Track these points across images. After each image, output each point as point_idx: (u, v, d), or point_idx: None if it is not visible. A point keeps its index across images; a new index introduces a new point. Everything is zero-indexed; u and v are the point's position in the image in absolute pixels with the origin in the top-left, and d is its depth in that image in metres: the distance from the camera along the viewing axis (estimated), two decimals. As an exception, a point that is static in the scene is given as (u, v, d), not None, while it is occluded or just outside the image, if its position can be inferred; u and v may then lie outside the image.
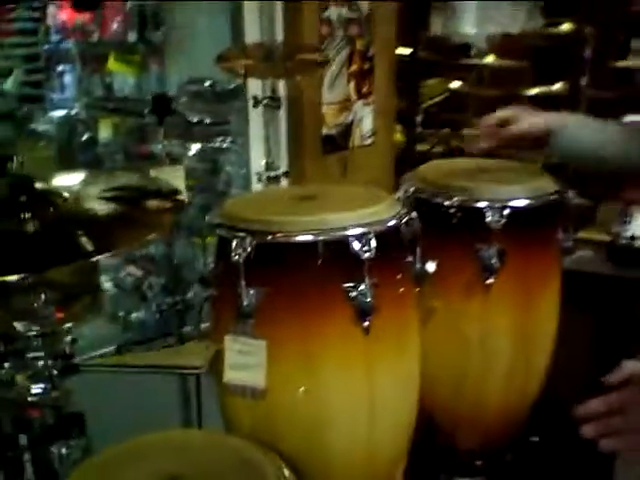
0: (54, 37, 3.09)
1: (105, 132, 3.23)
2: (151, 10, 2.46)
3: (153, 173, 1.49)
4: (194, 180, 3.19)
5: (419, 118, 3.94)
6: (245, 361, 1.15)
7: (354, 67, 2.35)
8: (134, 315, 2.47)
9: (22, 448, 1.25)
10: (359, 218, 1.14)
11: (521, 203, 1.35)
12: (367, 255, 1.10)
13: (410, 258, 1.27)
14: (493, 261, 1.34)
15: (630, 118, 2.05)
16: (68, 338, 1.10)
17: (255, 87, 2.07)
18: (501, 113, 1.47)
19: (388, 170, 2.58)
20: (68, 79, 3.37)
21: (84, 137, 3.26)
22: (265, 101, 1.68)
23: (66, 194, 1.21)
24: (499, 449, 1.58)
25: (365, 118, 2.47)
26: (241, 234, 1.12)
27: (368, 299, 1.12)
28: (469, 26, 3.64)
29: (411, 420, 1.27)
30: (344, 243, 1.10)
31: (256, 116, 2.20)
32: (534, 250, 1.39)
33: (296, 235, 1.11)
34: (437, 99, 4.10)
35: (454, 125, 3.55)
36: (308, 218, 1.13)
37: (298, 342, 1.14)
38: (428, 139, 3.45)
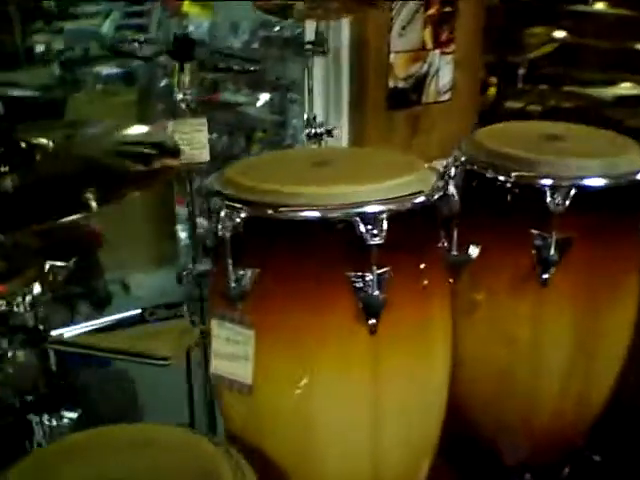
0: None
1: (182, 78, 3.16)
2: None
3: (172, 127, 1.34)
4: (262, 133, 3.06)
5: (521, 71, 3.55)
6: (232, 351, 0.99)
7: (432, 10, 2.07)
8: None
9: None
10: (371, 193, 0.93)
11: (594, 182, 1.08)
12: (375, 240, 0.90)
13: (444, 243, 1.05)
14: (551, 252, 1.09)
15: None
16: (30, 312, 0.99)
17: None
18: None
19: (468, 131, 2.29)
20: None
21: (162, 83, 3.20)
22: (309, 46, 1.47)
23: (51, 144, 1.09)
24: (551, 464, 1.36)
25: (443, 70, 2.19)
26: (232, 204, 0.95)
27: (375, 292, 0.92)
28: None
29: (430, 437, 1.08)
30: (348, 224, 0.90)
31: (317, 65, 1.99)
32: (607, 241, 1.12)
33: (292, 210, 0.92)
34: (544, 50, 3.68)
35: (558, 81, 3.14)
36: (311, 190, 0.94)
37: (291, 336, 0.96)
38: (526, 96, 3.07)
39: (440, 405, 1.08)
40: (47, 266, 1.17)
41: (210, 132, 3.41)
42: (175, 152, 1.12)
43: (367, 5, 1.53)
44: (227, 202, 0.95)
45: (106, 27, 3.41)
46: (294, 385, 0.97)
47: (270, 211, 0.92)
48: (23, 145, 1.11)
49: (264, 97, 2.78)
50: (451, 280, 1.08)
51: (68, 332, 1.26)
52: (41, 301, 1.03)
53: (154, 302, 1.24)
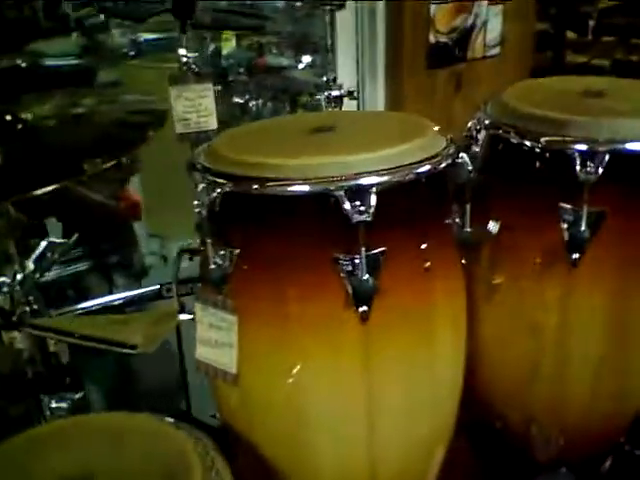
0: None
1: (229, 44, 3.10)
2: None
3: (175, 93, 1.26)
4: (307, 97, 2.95)
5: (592, 23, 3.27)
6: (216, 337, 0.91)
7: (480, -43, 1.89)
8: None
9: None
10: (360, 164, 0.82)
11: (633, 146, 0.93)
12: (362, 217, 0.79)
13: (454, 219, 0.94)
14: (582, 228, 0.95)
15: None
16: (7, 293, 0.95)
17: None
18: None
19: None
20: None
21: (210, 49, 3.15)
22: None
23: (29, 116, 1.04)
24: (588, 459, 1.23)
25: (491, 22, 2.01)
26: (208, 178, 0.86)
27: (365, 276, 0.82)
28: None
29: (437, 431, 0.97)
30: (335, 200, 0.80)
31: (349, 20, 1.86)
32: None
33: (269, 185, 0.82)
34: (613, 1, 3.36)
35: (629, 33, 2.86)
36: (295, 161, 0.84)
37: (276, 322, 0.87)
38: (591, 49, 2.82)
39: (450, 398, 0.98)
40: (44, 243, 1.14)
41: (256, 97, 3.29)
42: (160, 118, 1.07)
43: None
44: (204, 175, 0.87)
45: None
46: (282, 375, 0.89)
47: (244, 186, 0.83)
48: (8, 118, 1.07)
49: (306, 59, 2.67)
50: (464, 261, 0.97)
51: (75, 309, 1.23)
52: (28, 282, 0.99)
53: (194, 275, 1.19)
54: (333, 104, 1.42)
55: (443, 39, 1.90)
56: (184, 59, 1.33)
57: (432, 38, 1.88)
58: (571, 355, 1.05)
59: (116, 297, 1.46)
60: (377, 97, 1.91)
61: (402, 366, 0.89)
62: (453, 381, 0.98)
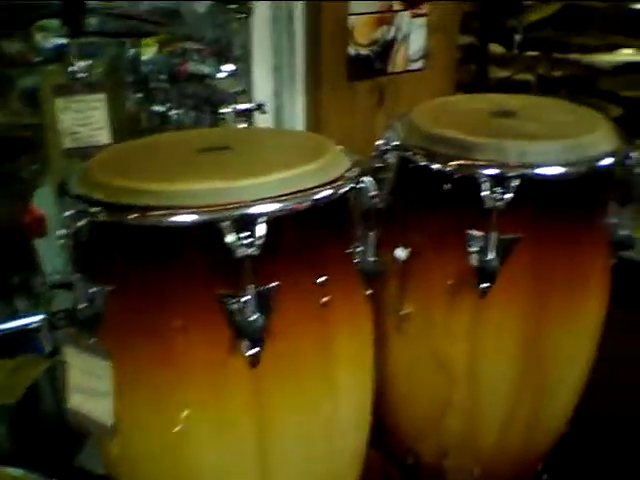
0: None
1: (149, 50, 2.97)
2: None
3: (62, 104, 1.15)
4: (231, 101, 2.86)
5: (518, 37, 3.30)
6: (89, 385, 0.81)
7: (399, -33, 1.84)
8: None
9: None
10: (247, 191, 0.73)
11: (544, 171, 0.88)
12: (249, 251, 0.71)
13: (355, 248, 0.86)
14: (490, 257, 0.89)
15: None
16: None
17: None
18: None
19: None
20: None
21: (129, 54, 3.00)
22: (230, 6, 1.26)
23: None
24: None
25: (414, 35, 1.97)
26: (81, 205, 0.76)
27: (254, 316, 0.74)
28: None
29: (341, 476, 0.90)
30: (218, 231, 0.71)
31: (267, 30, 1.78)
32: (562, 242, 0.92)
33: (153, 213, 0.72)
34: (543, 14, 3.40)
35: (557, 47, 2.87)
36: (181, 186, 0.74)
37: (156, 367, 0.77)
38: (515, 64, 2.82)
39: (355, 440, 0.91)
40: None
41: (177, 106, 3.17)
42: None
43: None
44: (73, 201, 0.76)
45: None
46: (164, 425, 0.79)
47: (119, 215, 0.73)
48: None
49: (227, 68, 2.58)
50: (369, 291, 0.90)
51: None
52: None
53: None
54: (242, 118, 1.33)
55: (363, 51, 1.85)
56: (71, 68, 1.23)
57: (352, 50, 1.82)
58: (482, 386, 0.99)
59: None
60: (296, 110, 1.83)
61: (299, 414, 0.80)
62: (358, 423, 0.90)
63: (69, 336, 0.81)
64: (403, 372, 1.02)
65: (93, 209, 0.74)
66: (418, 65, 2.01)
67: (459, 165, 0.89)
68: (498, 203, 0.86)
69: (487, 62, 2.53)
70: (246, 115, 1.33)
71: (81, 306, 0.77)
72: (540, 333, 0.96)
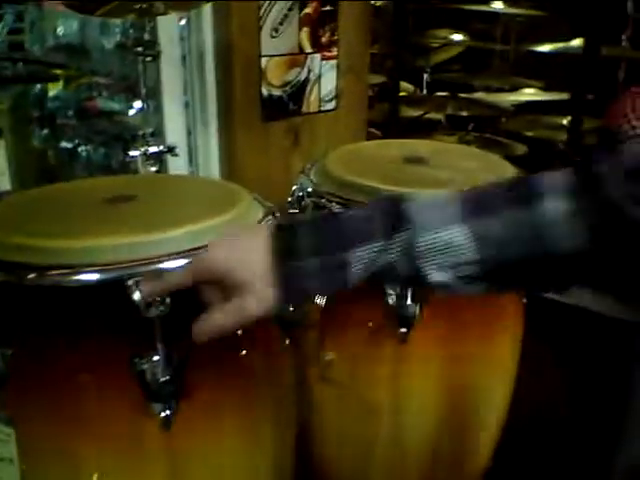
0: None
1: (55, 86, 2.88)
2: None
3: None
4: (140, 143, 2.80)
5: (426, 76, 3.41)
6: (-10, 456, 0.75)
7: (308, 9, 1.87)
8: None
9: None
10: (159, 245, 0.71)
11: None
12: (159, 310, 0.68)
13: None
14: (409, 302, 0.89)
15: None
16: None
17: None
18: None
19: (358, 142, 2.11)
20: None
21: (35, 90, 2.89)
22: (137, 48, 1.23)
23: None
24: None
25: (326, 76, 2.00)
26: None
27: (165, 377, 0.70)
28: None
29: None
30: (124, 289, 0.68)
31: (179, 71, 1.76)
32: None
33: (55, 272, 0.68)
34: (446, 55, 3.54)
35: (464, 87, 2.99)
36: (84, 243, 0.70)
37: (64, 433, 0.72)
38: (424, 104, 2.92)
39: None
40: None
41: (85, 143, 3.05)
42: None
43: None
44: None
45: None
46: (70, 498, 0.74)
47: (17, 275, 0.68)
48: None
49: (137, 105, 2.52)
50: (287, 341, 0.88)
51: None
52: None
53: None
54: (151, 161, 1.29)
55: (277, 92, 1.86)
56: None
57: (265, 91, 1.82)
58: (404, 436, 0.99)
59: None
60: (210, 150, 1.81)
61: (217, 474, 0.77)
62: (281, 474, 0.87)
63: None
64: (328, 419, 1.00)
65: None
66: (331, 105, 2.04)
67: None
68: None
69: (398, 101, 2.60)
70: (156, 159, 1.29)
71: (-23, 373, 0.71)
72: (459, 373, 0.97)
